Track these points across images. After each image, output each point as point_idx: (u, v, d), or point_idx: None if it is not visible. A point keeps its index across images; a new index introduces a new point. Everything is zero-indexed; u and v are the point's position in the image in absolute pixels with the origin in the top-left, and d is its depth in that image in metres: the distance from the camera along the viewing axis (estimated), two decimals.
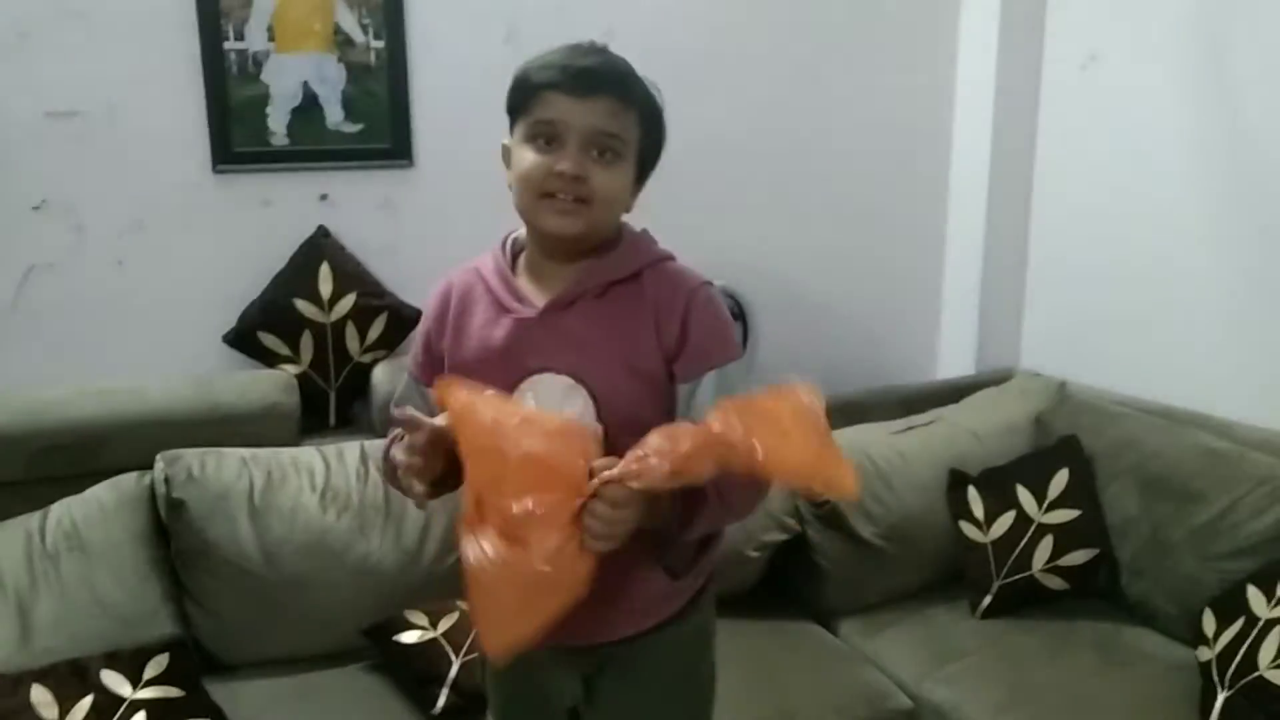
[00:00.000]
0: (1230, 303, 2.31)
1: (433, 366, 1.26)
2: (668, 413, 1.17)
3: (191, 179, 2.17)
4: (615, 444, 1.10)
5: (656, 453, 1.01)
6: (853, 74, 2.70)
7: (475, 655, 1.77)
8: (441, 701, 1.73)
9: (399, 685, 1.83)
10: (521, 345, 1.18)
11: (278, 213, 2.25)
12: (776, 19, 2.57)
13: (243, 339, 2.22)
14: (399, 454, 1.15)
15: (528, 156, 1.15)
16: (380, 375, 2.23)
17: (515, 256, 1.27)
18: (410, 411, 1.14)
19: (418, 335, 1.31)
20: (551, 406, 1.15)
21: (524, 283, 1.23)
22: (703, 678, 1.36)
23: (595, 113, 1.13)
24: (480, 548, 1.03)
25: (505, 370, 1.18)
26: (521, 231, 1.27)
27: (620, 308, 1.18)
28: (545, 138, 1.14)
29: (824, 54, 2.65)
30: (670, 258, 1.24)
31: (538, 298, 1.20)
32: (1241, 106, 2.25)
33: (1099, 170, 2.59)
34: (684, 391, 1.17)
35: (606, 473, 1.02)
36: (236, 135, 2.18)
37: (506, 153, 1.21)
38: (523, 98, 1.16)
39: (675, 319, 1.17)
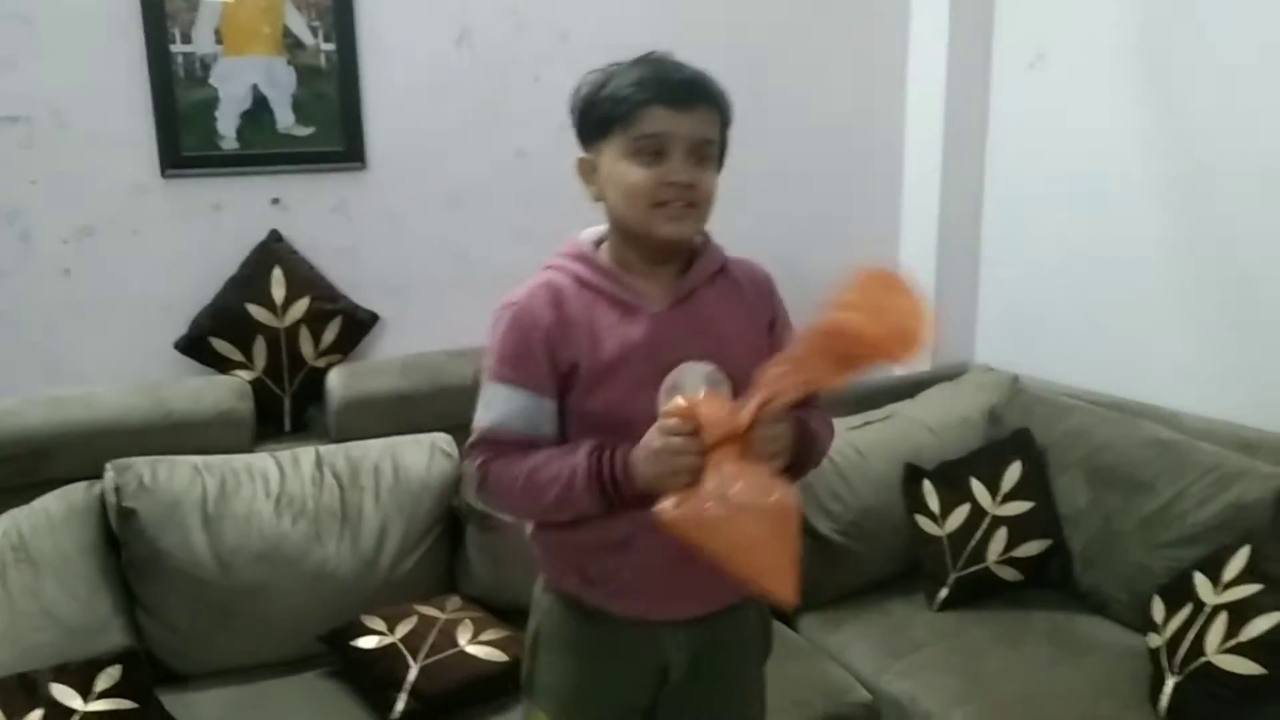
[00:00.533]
0: (1178, 295, 2.36)
1: (557, 378, 1.23)
2: None
3: (140, 184, 2.14)
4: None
5: (780, 373, 1.14)
6: (805, 75, 2.72)
7: (439, 656, 1.76)
8: (400, 706, 1.72)
9: (357, 691, 1.82)
10: (661, 338, 1.23)
11: (229, 217, 2.22)
12: (729, 19, 2.58)
13: (195, 345, 2.20)
14: (672, 458, 1.14)
15: (635, 171, 1.19)
16: (335, 380, 2.22)
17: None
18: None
19: (510, 354, 1.24)
20: (696, 389, 1.21)
21: (637, 282, 1.26)
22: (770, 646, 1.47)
23: (698, 123, 1.19)
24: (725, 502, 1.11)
25: (651, 363, 1.22)
26: (586, 234, 1.30)
27: (730, 295, 1.30)
28: (651, 151, 1.19)
29: (777, 53, 2.67)
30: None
31: (655, 293, 1.26)
32: (1187, 104, 2.30)
33: (1049, 167, 2.63)
34: None
35: (753, 401, 1.13)
36: (185, 139, 2.15)
37: (587, 167, 1.26)
38: (622, 113, 1.19)
39: (767, 296, 1.34)
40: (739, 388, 1.22)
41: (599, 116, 1.22)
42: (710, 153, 1.22)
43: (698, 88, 1.20)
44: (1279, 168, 2.11)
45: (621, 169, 1.20)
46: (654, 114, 1.18)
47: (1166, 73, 2.34)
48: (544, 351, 1.22)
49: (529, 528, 1.35)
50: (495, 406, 1.25)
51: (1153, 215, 2.39)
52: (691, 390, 1.20)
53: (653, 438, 1.14)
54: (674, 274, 1.28)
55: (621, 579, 1.27)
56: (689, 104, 1.18)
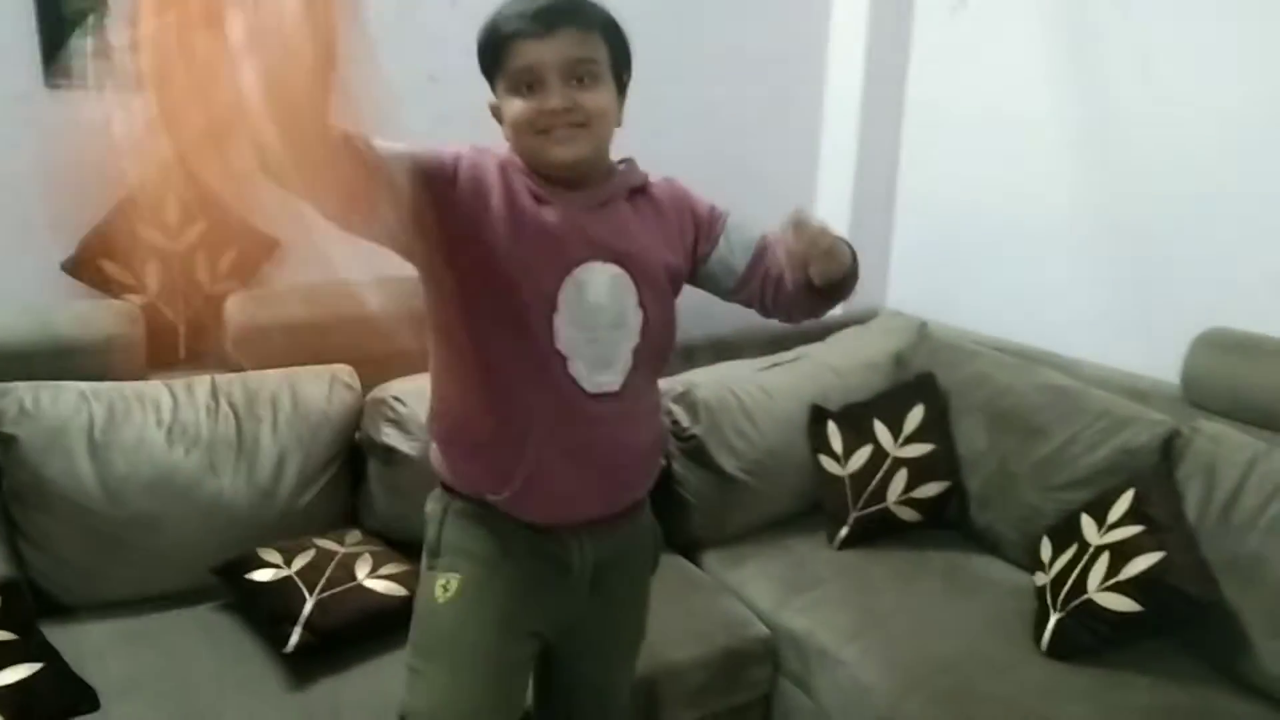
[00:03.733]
0: (1082, 246, 2.41)
1: (462, 217, 1.20)
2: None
3: (22, 93, 2.02)
4: (649, 327, 1.28)
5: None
6: (728, 8, 2.68)
7: (336, 589, 1.73)
8: (294, 640, 1.69)
9: (250, 624, 1.79)
10: (573, 232, 1.24)
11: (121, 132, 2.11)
12: None
13: (83, 267, 2.09)
14: None
15: (516, 104, 1.21)
16: (233, 307, 2.13)
17: None
18: None
19: (434, 150, 1.21)
20: (601, 290, 1.24)
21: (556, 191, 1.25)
22: (658, 559, 1.53)
23: (565, 45, 1.19)
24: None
25: (558, 253, 1.23)
26: None
27: (646, 209, 1.32)
28: (527, 84, 1.20)
29: None
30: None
31: (573, 199, 1.26)
32: (1102, 57, 2.32)
33: (967, 116, 2.65)
34: (722, 248, 1.36)
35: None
36: (73, 47, 2.03)
37: (496, 110, 1.26)
38: (496, 55, 1.21)
39: (688, 212, 1.36)
40: (647, 300, 1.28)
41: (484, 61, 1.24)
42: (590, 71, 1.21)
43: (556, 12, 1.19)
44: (1186, 120, 2.15)
45: (507, 105, 1.22)
46: (520, 47, 1.19)
47: (1084, 25, 2.36)
48: (455, 164, 1.21)
49: (432, 429, 1.35)
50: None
51: (1063, 166, 2.43)
52: (593, 288, 1.23)
53: None
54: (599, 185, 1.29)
55: (522, 472, 1.26)
56: (550, 29, 1.18)
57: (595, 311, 1.24)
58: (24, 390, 1.84)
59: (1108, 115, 2.33)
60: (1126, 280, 2.33)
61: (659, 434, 1.41)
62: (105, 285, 2.10)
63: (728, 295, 1.39)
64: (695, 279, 1.38)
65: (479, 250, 1.21)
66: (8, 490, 1.81)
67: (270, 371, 2.04)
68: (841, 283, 1.30)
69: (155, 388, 1.95)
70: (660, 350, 1.34)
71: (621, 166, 1.32)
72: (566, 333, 1.23)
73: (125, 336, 2.02)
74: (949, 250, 2.75)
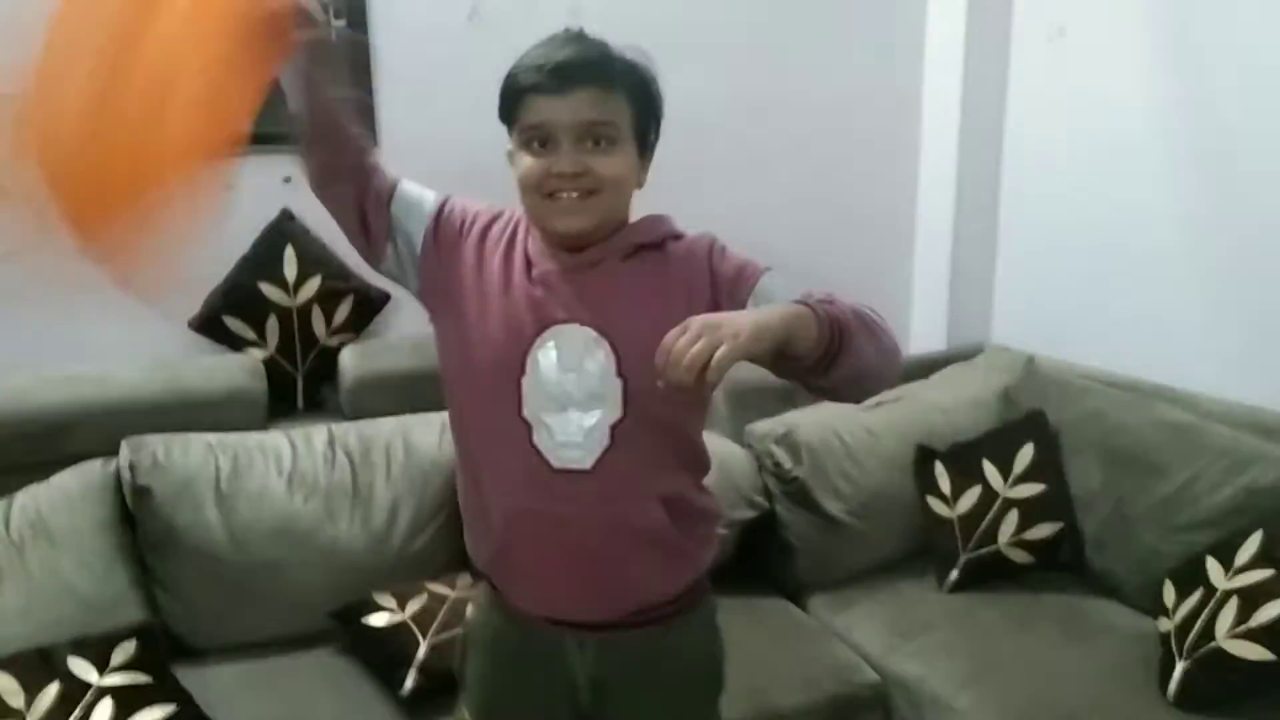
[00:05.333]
0: (1196, 275, 2.33)
1: (448, 218, 1.23)
2: None
3: None
4: (635, 400, 1.14)
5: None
6: (822, 46, 2.69)
7: (449, 634, 1.78)
8: (409, 684, 1.74)
9: (367, 668, 1.84)
10: (553, 293, 1.16)
11: (241, 195, 2.21)
12: None
13: (208, 324, 2.21)
14: None
15: (525, 161, 1.14)
16: (348, 359, 2.23)
17: None
18: None
19: (460, 203, 1.26)
20: (573, 356, 1.15)
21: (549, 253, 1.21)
22: (719, 667, 1.35)
23: (579, 106, 1.12)
24: None
25: (533, 314, 1.16)
26: None
27: (648, 268, 1.19)
28: (539, 140, 1.13)
29: (793, 25, 2.63)
30: (685, 235, 1.24)
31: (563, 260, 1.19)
32: (1208, 80, 2.26)
33: (1068, 144, 2.60)
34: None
35: None
36: None
37: (511, 158, 1.20)
38: (510, 106, 1.16)
39: (702, 268, 1.18)
40: (628, 366, 1.14)
41: (500, 110, 1.18)
42: (606, 134, 1.13)
43: (575, 69, 1.11)
44: None
45: (518, 161, 1.16)
46: (534, 103, 1.12)
47: (1188, 48, 2.30)
48: (450, 211, 1.23)
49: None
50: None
51: (1173, 194, 2.35)
52: (564, 352, 1.15)
53: None
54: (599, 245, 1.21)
55: (492, 544, 1.22)
56: (566, 88, 1.10)
57: (563, 379, 1.14)
58: (156, 442, 1.94)
59: (1216, 137, 2.26)
60: (1244, 307, 2.24)
61: (665, 528, 1.19)
62: (229, 340, 2.21)
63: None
64: None
65: (450, 302, 1.20)
66: (141, 538, 1.91)
67: (384, 420, 2.12)
68: (842, 370, 1.06)
69: (275, 438, 2.04)
70: (657, 428, 1.17)
71: (639, 222, 1.22)
72: (533, 400, 1.15)
73: (248, 389, 2.13)
74: (1055, 282, 2.68)
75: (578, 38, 1.16)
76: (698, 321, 0.97)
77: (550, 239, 1.18)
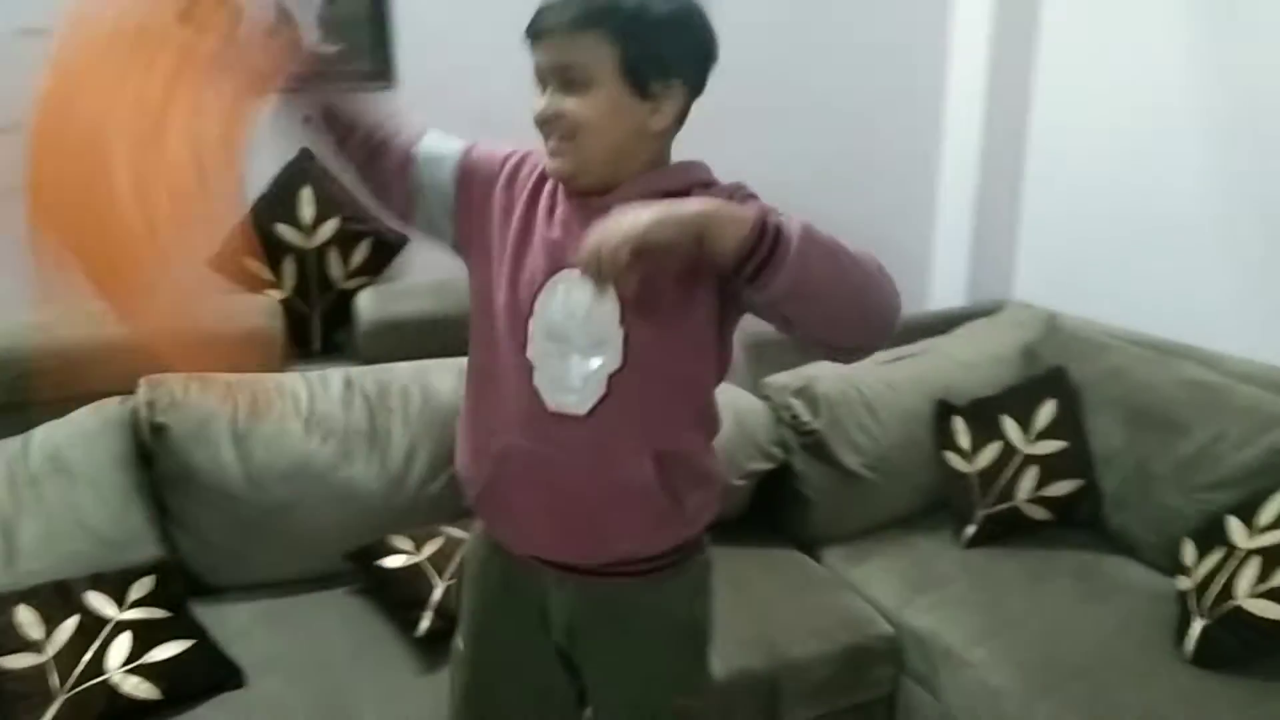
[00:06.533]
0: (1223, 235, 2.29)
1: (473, 168, 1.24)
2: (702, 327, 1.15)
3: None
4: (635, 351, 1.12)
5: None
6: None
7: (454, 579, 1.78)
8: (424, 625, 1.74)
9: (382, 608, 1.85)
10: (567, 238, 1.15)
11: (258, 134, 2.20)
12: None
13: (225, 264, 2.19)
14: None
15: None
16: (364, 301, 2.22)
17: None
18: None
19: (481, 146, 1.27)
20: (579, 301, 1.13)
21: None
22: (700, 630, 1.32)
23: (553, 51, 1.12)
24: None
25: (546, 258, 1.16)
26: None
27: None
28: (541, 83, 1.14)
29: None
30: (718, 184, 1.19)
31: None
32: (1241, 38, 2.21)
33: (1096, 100, 2.55)
34: None
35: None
36: None
37: None
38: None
39: None
40: (634, 311, 1.12)
41: None
42: (574, 77, 1.10)
43: (543, 15, 1.12)
44: None
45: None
46: (532, 48, 1.14)
47: (1221, 7, 2.24)
48: (480, 156, 1.24)
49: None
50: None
51: (1199, 152, 2.31)
52: (571, 297, 1.14)
53: None
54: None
55: (485, 474, 1.23)
56: (540, 34, 1.12)
57: (567, 323, 1.14)
58: (174, 382, 1.93)
59: (1249, 95, 2.21)
60: (1271, 268, 2.20)
61: (653, 484, 1.17)
62: (247, 281, 2.20)
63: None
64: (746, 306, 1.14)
65: (480, 249, 1.21)
66: (158, 476, 1.91)
67: (401, 364, 2.10)
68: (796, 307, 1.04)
69: (292, 379, 2.03)
70: (657, 381, 1.16)
71: (670, 168, 1.18)
72: (538, 341, 1.16)
73: (265, 330, 2.11)
74: (1079, 239, 2.64)
75: None
76: (612, 217, 1.00)
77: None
